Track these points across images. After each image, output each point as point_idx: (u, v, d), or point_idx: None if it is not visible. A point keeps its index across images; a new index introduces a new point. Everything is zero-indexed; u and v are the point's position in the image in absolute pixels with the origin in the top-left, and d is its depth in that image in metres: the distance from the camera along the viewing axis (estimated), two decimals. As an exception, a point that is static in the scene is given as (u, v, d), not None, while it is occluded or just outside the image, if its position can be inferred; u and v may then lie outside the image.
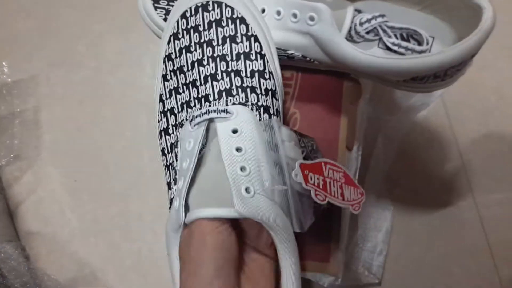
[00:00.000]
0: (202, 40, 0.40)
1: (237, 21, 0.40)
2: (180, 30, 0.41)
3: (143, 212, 0.67)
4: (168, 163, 0.40)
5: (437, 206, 0.61)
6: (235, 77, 0.39)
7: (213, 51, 0.40)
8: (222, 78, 0.39)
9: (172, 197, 0.39)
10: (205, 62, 0.39)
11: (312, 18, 0.39)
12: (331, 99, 0.47)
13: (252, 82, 0.39)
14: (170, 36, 0.41)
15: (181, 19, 0.41)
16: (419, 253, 0.61)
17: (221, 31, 0.40)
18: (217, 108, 0.36)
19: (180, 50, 0.41)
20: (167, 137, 0.41)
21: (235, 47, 0.40)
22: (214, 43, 0.40)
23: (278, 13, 0.41)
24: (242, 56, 0.40)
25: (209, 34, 0.40)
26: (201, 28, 0.40)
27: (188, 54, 0.40)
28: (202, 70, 0.39)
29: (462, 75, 0.42)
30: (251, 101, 0.38)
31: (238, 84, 0.39)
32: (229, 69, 0.39)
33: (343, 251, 0.47)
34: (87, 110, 0.71)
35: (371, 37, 0.41)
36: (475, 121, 0.63)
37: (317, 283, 0.47)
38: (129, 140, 0.69)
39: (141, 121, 0.69)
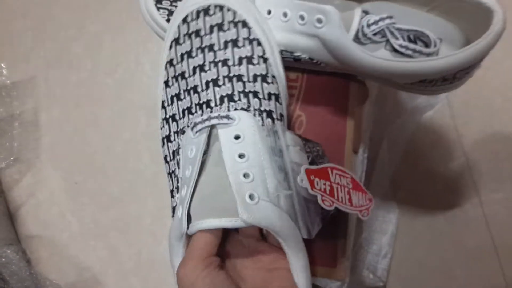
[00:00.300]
0: (203, 45, 0.39)
1: (239, 25, 0.39)
2: (181, 35, 0.40)
3: (142, 215, 0.66)
4: (170, 171, 0.40)
5: (442, 208, 0.61)
6: (237, 82, 0.38)
7: (215, 56, 0.39)
8: (224, 83, 0.38)
9: (174, 205, 0.38)
10: (206, 68, 0.39)
11: (319, 21, 0.38)
12: (337, 101, 0.46)
13: (254, 86, 0.38)
14: (172, 41, 0.40)
15: (182, 24, 0.40)
16: (423, 255, 0.60)
17: (222, 35, 0.39)
18: (219, 114, 0.36)
19: (182, 55, 0.40)
20: (169, 144, 0.40)
21: (237, 51, 0.39)
22: (216, 48, 0.39)
23: (285, 15, 0.41)
24: (244, 61, 0.39)
25: (210, 39, 0.39)
26: (202, 33, 0.39)
27: (190, 60, 0.39)
28: (204, 76, 0.39)
29: (470, 77, 0.41)
30: (253, 106, 0.38)
31: (240, 89, 0.38)
32: (231, 74, 0.38)
33: (350, 256, 0.46)
34: (85, 111, 0.71)
35: (378, 39, 0.41)
36: (480, 122, 0.63)
37: (324, 288, 0.46)
38: (127, 142, 0.69)
39: (140, 123, 0.69)
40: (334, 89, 0.46)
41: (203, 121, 0.36)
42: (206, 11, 0.39)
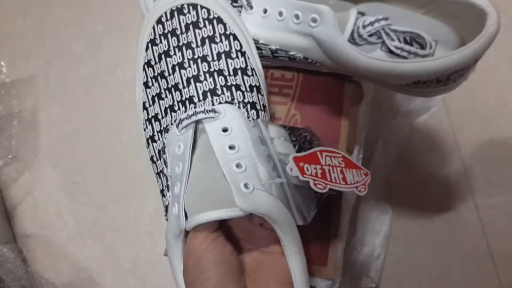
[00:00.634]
0: (180, 43, 0.40)
1: (214, 21, 0.40)
2: (157, 36, 0.41)
3: (140, 215, 0.66)
4: (158, 170, 0.40)
5: (438, 212, 0.61)
6: (218, 76, 0.39)
7: (193, 53, 0.40)
8: (206, 79, 0.39)
9: (167, 204, 0.39)
10: (186, 65, 0.39)
11: (314, 20, 0.38)
12: (333, 101, 0.46)
13: (236, 80, 0.39)
14: (148, 42, 0.41)
15: (157, 25, 0.41)
16: (418, 258, 0.60)
17: (199, 33, 0.40)
18: (205, 109, 0.36)
19: (159, 55, 0.41)
20: (154, 144, 0.41)
21: (215, 47, 0.40)
22: (193, 45, 0.40)
23: (280, 14, 0.41)
24: (223, 55, 0.40)
25: (187, 37, 0.40)
26: (178, 32, 0.40)
27: (168, 59, 0.40)
28: (184, 73, 0.39)
29: (465, 80, 0.42)
30: (237, 98, 0.39)
31: (223, 83, 0.39)
32: (212, 69, 0.39)
33: (341, 255, 0.46)
34: (85, 111, 0.71)
35: (374, 40, 0.41)
36: (476, 126, 0.63)
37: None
38: (126, 142, 0.69)
39: (139, 122, 0.69)
40: (330, 89, 0.47)
41: (189, 116, 0.36)
42: (180, 10, 0.40)
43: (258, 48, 0.43)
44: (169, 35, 0.40)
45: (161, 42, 0.40)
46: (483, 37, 0.36)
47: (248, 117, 0.38)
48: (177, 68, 0.40)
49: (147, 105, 0.42)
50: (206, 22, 0.40)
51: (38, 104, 0.71)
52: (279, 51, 0.42)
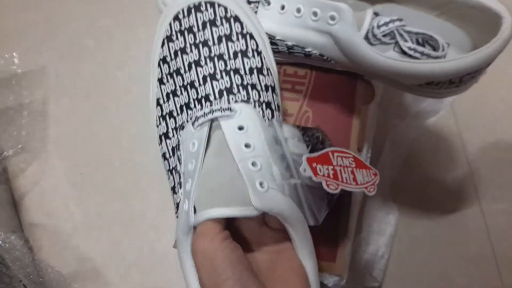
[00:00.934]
0: (197, 41, 0.40)
1: (231, 20, 0.40)
2: (173, 32, 0.41)
3: (146, 209, 0.67)
4: (171, 167, 0.40)
5: (443, 213, 0.62)
6: (234, 75, 0.39)
7: (210, 51, 0.40)
8: (222, 77, 0.39)
9: (178, 201, 0.39)
10: (202, 63, 0.40)
11: (332, 18, 0.39)
12: (344, 99, 0.47)
13: (252, 79, 0.39)
14: (164, 39, 0.41)
15: (174, 21, 0.41)
16: (422, 258, 0.61)
17: (216, 31, 0.40)
18: (221, 107, 0.36)
19: (176, 52, 0.41)
20: (168, 141, 0.41)
21: (231, 46, 0.40)
22: (210, 43, 0.40)
23: (298, 10, 0.41)
24: (239, 54, 0.40)
25: (204, 35, 0.40)
26: (195, 29, 0.40)
27: (184, 56, 0.40)
28: (200, 71, 0.39)
29: (475, 82, 0.42)
30: (253, 98, 0.39)
31: (239, 82, 0.39)
32: (228, 68, 0.39)
33: (349, 252, 0.47)
34: (94, 104, 0.71)
35: (387, 40, 0.42)
36: (483, 129, 0.64)
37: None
38: (134, 136, 0.69)
39: (147, 116, 0.69)
40: (342, 87, 0.47)
41: (205, 114, 0.37)
42: (197, 8, 0.40)
43: (274, 44, 0.44)
44: (185, 32, 0.40)
45: (177, 39, 0.40)
46: (498, 41, 0.36)
47: (263, 116, 0.38)
48: (193, 65, 0.40)
49: (161, 102, 0.42)
50: (223, 20, 0.40)
51: (48, 96, 0.71)
52: (295, 47, 0.43)
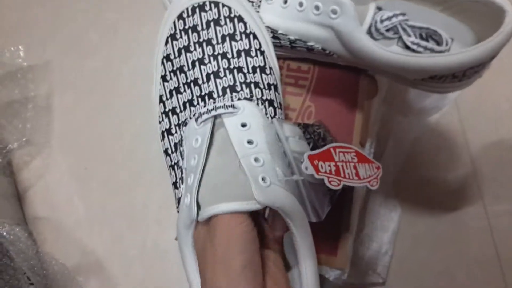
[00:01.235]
0: (201, 40, 0.41)
1: (235, 20, 0.41)
2: (177, 31, 0.41)
3: (149, 203, 0.67)
4: (173, 163, 0.40)
5: (446, 211, 0.61)
6: (238, 73, 0.40)
7: (214, 50, 0.40)
8: (225, 75, 0.40)
9: (180, 196, 0.39)
10: (206, 61, 0.40)
11: (334, 12, 0.39)
12: (347, 94, 0.47)
13: (255, 77, 0.40)
14: (168, 37, 0.42)
15: (178, 20, 0.41)
16: (425, 256, 0.61)
17: (219, 30, 0.41)
18: (224, 104, 0.37)
19: (179, 50, 0.41)
20: (170, 137, 0.41)
21: (235, 45, 0.40)
22: (214, 42, 0.40)
23: (301, 4, 0.41)
24: (242, 53, 0.40)
25: (208, 33, 0.40)
26: (199, 28, 0.41)
27: (188, 54, 0.41)
28: (204, 69, 0.40)
29: (479, 77, 0.42)
30: (255, 95, 0.39)
31: (242, 80, 0.40)
32: (231, 66, 0.40)
33: (351, 246, 0.47)
34: (98, 98, 0.71)
35: (390, 35, 0.41)
36: (487, 127, 0.63)
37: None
38: (138, 130, 0.70)
39: (151, 112, 0.70)
40: (345, 82, 0.47)
41: (209, 111, 0.37)
42: (201, 7, 0.41)
43: (276, 38, 0.44)
44: (189, 31, 0.41)
45: (181, 37, 0.41)
46: (501, 34, 0.36)
47: (266, 114, 0.39)
48: (197, 63, 0.40)
49: (164, 98, 0.42)
50: (227, 20, 0.41)
51: (52, 90, 0.72)
52: (298, 42, 0.43)
